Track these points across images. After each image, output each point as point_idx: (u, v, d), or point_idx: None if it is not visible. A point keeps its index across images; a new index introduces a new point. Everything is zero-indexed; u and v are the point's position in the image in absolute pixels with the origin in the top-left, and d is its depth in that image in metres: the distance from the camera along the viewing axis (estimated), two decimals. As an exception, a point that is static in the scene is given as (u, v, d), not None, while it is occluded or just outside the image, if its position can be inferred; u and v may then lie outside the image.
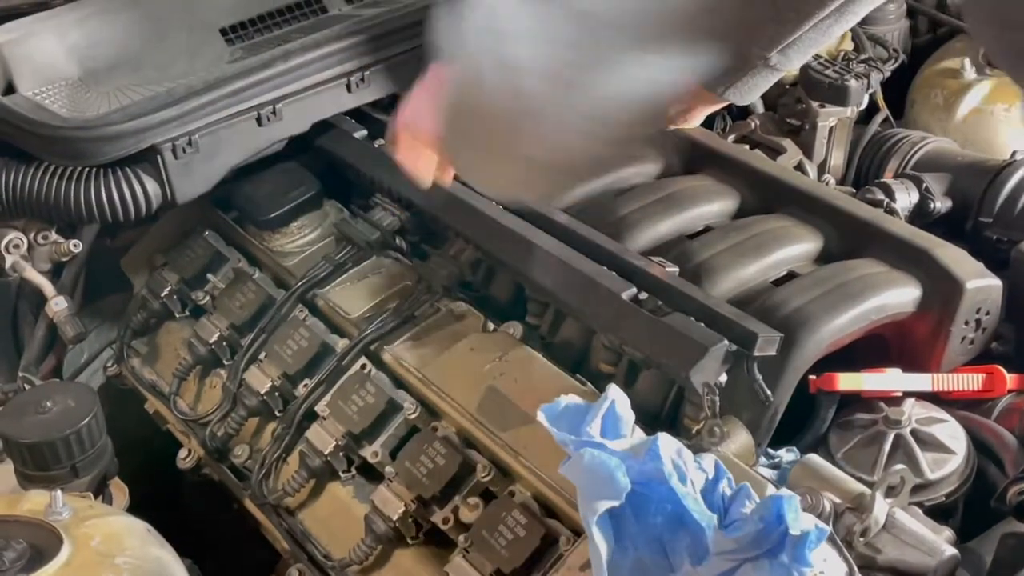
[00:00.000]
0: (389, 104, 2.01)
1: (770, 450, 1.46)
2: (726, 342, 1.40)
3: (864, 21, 2.32)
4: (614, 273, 1.54)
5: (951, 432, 1.48)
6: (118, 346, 1.93)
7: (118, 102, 1.77)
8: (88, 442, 1.49)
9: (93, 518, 1.31)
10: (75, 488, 1.48)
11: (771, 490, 1.29)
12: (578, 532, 1.32)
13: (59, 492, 1.29)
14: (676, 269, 1.55)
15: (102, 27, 1.89)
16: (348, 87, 1.92)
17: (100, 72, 1.86)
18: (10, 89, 1.81)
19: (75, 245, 1.87)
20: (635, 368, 1.53)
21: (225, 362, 1.78)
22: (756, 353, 1.40)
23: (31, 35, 1.84)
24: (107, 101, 1.79)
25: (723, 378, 1.40)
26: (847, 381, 1.51)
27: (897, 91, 2.28)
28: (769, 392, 1.42)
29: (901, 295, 1.56)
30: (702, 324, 1.43)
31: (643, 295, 1.50)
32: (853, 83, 2.02)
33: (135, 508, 1.55)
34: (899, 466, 1.39)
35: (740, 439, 1.39)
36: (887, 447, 1.46)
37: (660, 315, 1.46)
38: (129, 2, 1.93)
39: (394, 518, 1.47)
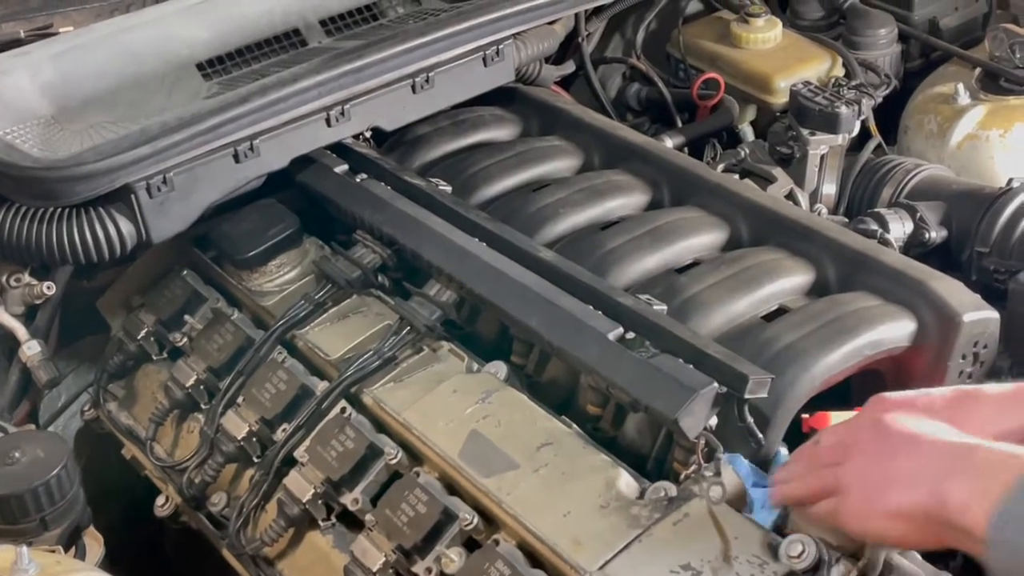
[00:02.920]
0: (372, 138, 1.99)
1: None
2: (715, 385, 1.36)
3: (855, 46, 2.33)
4: (600, 312, 1.50)
5: (950, 471, 1.43)
6: (95, 390, 1.88)
7: (91, 141, 1.73)
8: (58, 494, 1.45)
9: (60, 575, 1.27)
10: (45, 542, 1.45)
11: (764, 537, 1.25)
12: (563, 584, 1.28)
13: (24, 548, 1.25)
14: (664, 307, 1.51)
15: (76, 64, 1.85)
16: (327, 121, 1.88)
17: (73, 110, 1.81)
18: (-19, 129, 1.77)
19: (49, 287, 1.83)
20: (622, 410, 1.48)
21: (203, 406, 1.74)
22: (747, 396, 1.35)
23: (2, 73, 1.80)
24: (80, 140, 1.74)
25: (713, 421, 1.36)
26: (841, 419, 1.46)
27: (890, 117, 2.24)
28: (761, 435, 1.37)
29: (896, 329, 1.53)
30: (691, 366, 1.39)
31: (630, 335, 1.46)
32: (844, 110, 1.98)
33: (114, 557, 1.51)
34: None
35: (731, 482, 1.34)
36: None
37: (647, 356, 1.41)
38: (103, 38, 1.89)
39: (374, 569, 1.42)
